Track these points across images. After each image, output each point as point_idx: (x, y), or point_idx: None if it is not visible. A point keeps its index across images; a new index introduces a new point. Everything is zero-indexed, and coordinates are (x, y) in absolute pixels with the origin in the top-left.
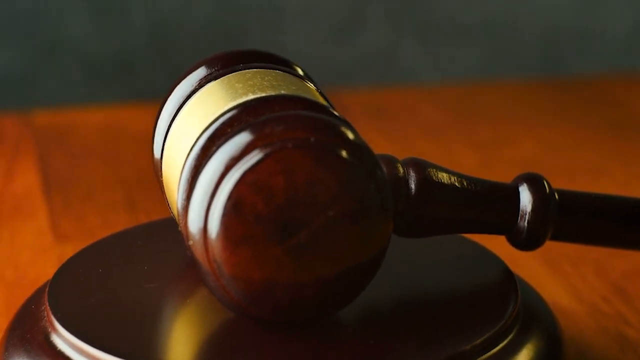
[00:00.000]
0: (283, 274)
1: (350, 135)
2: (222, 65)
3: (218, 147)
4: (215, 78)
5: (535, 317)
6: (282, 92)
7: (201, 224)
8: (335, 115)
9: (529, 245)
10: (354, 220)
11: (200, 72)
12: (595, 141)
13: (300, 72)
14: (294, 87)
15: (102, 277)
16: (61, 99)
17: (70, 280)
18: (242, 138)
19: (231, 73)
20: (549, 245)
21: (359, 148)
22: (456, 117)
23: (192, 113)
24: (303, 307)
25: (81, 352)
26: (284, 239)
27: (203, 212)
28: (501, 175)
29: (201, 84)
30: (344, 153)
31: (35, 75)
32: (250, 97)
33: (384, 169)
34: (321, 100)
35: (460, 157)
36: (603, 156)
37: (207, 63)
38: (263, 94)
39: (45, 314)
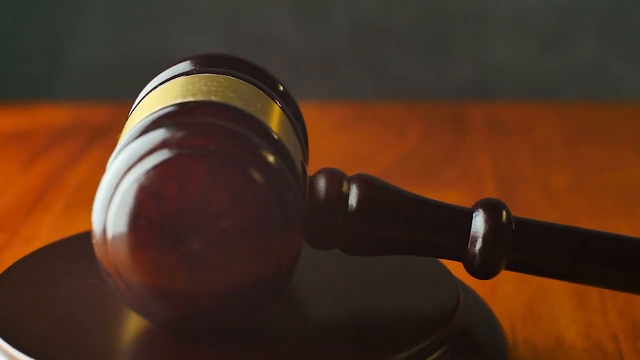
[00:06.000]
0: (177, 282)
1: (260, 150)
2: (194, 65)
3: (123, 148)
4: (172, 78)
5: (473, 344)
6: (212, 98)
7: (102, 225)
8: (264, 129)
9: (483, 273)
10: (250, 234)
11: (174, 69)
12: None
13: (280, 88)
14: (231, 95)
15: (57, 270)
16: None
17: (26, 271)
18: (144, 141)
19: (186, 75)
20: None
21: (265, 163)
22: (569, 136)
23: (136, 112)
24: (201, 317)
25: None
26: (176, 247)
27: (103, 213)
28: (587, 200)
29: (159, 84)
30: (244, 165)
31: None
32: (179, 100)
33: (324, 185)
34: (274, 115)
35: (554, 177)
36: None
37: (189, 60)
38: (191, 99)
39: None
